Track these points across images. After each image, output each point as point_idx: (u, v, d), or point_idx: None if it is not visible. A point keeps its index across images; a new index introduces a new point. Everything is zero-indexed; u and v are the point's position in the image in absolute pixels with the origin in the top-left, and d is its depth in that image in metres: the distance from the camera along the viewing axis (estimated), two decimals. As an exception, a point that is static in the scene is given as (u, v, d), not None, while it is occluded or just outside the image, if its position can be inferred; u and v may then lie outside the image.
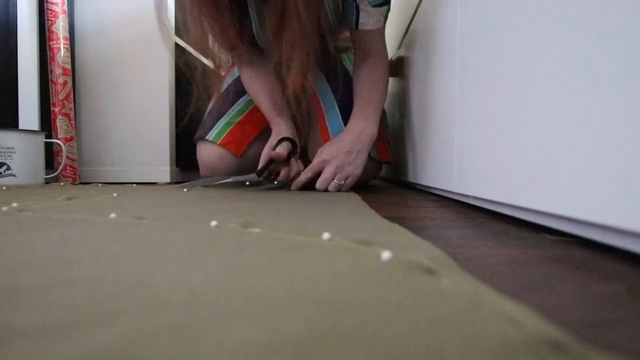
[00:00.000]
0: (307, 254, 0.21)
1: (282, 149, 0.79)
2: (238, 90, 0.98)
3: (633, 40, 0.21)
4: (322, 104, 0.94)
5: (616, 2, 0.23)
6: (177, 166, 1.21)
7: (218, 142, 0.92)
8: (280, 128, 0.83)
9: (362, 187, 0.91)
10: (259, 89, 0.87)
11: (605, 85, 0.23)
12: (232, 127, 0.95)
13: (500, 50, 0.39)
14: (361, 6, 0.77)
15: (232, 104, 0.98)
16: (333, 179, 0.75)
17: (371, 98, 0.82)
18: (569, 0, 0.27)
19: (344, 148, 0.75)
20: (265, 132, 0.90)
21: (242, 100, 0.98)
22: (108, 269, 0.18)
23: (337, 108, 0.92)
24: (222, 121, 0.96)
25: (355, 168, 0.76)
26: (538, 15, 0.31)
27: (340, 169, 0.74)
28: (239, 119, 0.96)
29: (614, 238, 0.24)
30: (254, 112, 0.96)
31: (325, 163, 0.75)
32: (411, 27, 0.91)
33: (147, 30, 1.14)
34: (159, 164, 1.18)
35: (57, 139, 1.12)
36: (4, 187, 0.81)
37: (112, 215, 0.34)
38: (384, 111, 0.93)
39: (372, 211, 0.41)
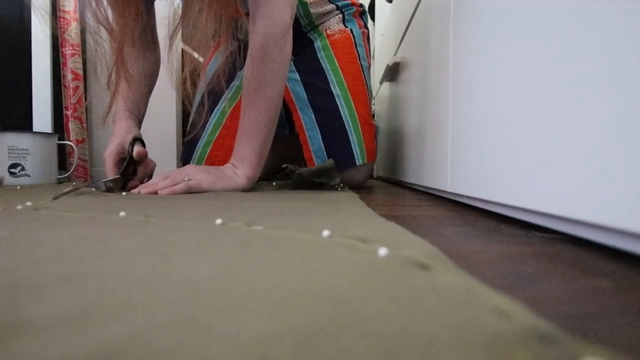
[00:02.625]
0: (308, 250, 0.21)
1: (140, 150, 0.70)
2: (212, 100, 0.91)
3: (626, 39, 0.21)
4: (296, 105, 0.88)
5: (609, 3, 0.23)
6: (183, 166, 1.23)
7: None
8: (127, 127, 0.74)
9: (360, 187, 0.92)
10: (132, 75, 0.75)
11: (594, 87, 0.24)
12: (211, 146, 0.91)
13: (492, 53, 0.39)
14: None
15: (207, 120, 0.90)
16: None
17: (250, 137, 0.65)
18: (561, 4, 0.28)
19: (208, 170, 0.65)
20: None
21: (217, 111, 0.92)
22: (118, 265, 0.18)
23: (312, 112, 0.86)
24: (201, 142, 0.91)
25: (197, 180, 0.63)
26: (530, 18, 0.32)
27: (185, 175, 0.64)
28: (217, 135, 0.91)
29: (601, 235, 0.25)
30: (231, 120, 0.90)
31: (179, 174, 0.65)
32: (407, 32, 0.92)
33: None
34: (166, 164, 1.19)
35: (70, 140, 1.14)
36: (19, 187, 0.83)
37: (122, 213, 0.35)
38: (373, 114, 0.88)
39: (370, 210, 0.41)
